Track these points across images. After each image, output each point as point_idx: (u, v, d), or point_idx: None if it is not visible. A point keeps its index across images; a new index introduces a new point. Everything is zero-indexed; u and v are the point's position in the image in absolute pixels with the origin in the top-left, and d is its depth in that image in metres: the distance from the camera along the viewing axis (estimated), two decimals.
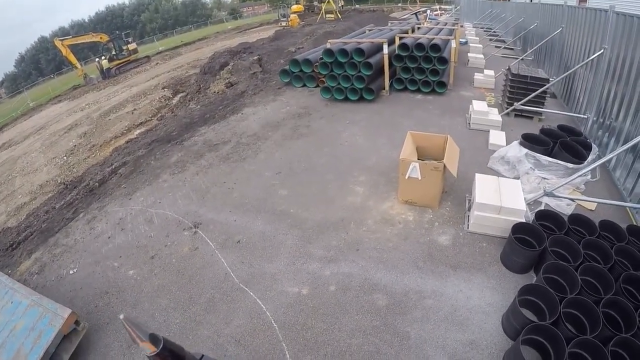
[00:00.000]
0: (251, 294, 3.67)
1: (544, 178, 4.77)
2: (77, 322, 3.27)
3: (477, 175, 4.31)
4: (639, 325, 2.77)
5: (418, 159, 4.59)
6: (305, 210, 4.85)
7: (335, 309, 3.44)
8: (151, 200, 5.51)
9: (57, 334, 3.09)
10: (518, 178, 4.94)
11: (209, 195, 5.43)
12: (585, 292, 3.08)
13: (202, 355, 2.22)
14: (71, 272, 4.32)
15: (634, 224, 4.08)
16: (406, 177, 4.37)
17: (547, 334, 2.85)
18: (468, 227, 4.18)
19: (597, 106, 6.00)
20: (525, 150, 5.18)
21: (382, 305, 3.45)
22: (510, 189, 4.04)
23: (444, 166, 4.17)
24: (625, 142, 4.61)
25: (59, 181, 6.82)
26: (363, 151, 6.37)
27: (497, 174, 5.22)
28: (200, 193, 5.52)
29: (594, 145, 5.07)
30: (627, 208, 4.32)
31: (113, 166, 7.43)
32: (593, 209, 4.44)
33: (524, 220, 3.78)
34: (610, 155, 4.17)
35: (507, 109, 7.48)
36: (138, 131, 9.16)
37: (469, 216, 4.28)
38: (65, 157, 7.60)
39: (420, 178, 4.32)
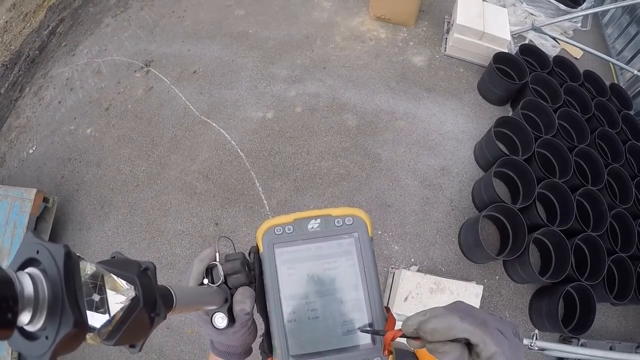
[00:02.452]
0: (214, 124, 3.35)
1: (532, 14, 4.36)
2: (46, 200, 3.08)
3: None
4: (605, 181, 2.80)
5: None
6: (265, 29, 4.12)
7: (303, 132, 3.16)
8: (96, 50, 4.85)
9: (30, 218, 2.92)
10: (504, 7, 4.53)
11: (158, 29, 4.69)
12: (560, 136, 2.94)
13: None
14: (30, 151, 4.03)
15: (617, 83, 3.97)
16: None
17: (519, 170, 2.83)
18: (445, 50, 3.88)
19: None
20: None
21: (352, 125, 3.19)
22: (496, 16, 3.68)
23: None
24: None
25: (0, 65, 6.05)
26: None
27: None
28: (148, 29, 4.79)
29: None
30: (612, 66, 4.18)
31: (50, 27, 6.46)
32: (578, 57, 4.24)
33: (506, 51, 3.53)
34: (607, 7, 3.98)
35: None
36: None
37: (447, 39, 3.98)
38: None
39: None
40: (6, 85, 6.00)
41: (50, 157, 3.82)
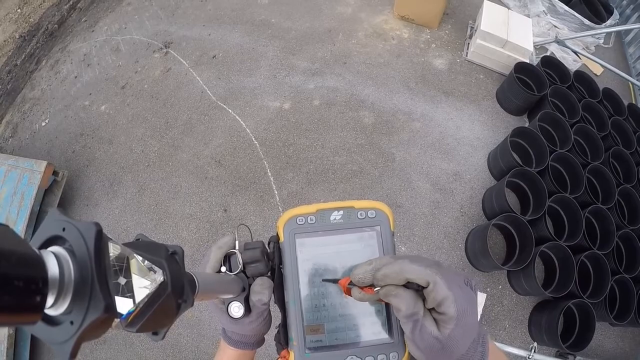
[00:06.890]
0: (230, 111, 3.34)
1: (555, 26, 4.35)
2: (55, 173, 3.07)
3: (486, 2, 3.85)
4: (616, 201, 2.79)
5: None
6: (288, 19, 4.10)
7: (319, 125, 3.15)
8: (116, 28, 4.83)
9: (38, 191, 2.90)
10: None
11: (180, 11, 4.66)
12: (575, 151, 2.92)
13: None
14: (43, 124, 4.04)
15: (634, 103, 3.96)
16: None
17: (531, 182, 2.80)
18: (467, 55, 3.86)
19: None
20: None
21: (369, 123, 3.18)
22: (520, 25, 3.67)
23: None
24: None
25: (17, 36, 6.01)
26: None
27: (506, 7, 4.64)
28: (170, 10, 4.76)
29: (615, 11, 4.47)
30: (631, 85, 4.14)
31: (70, 2, 6.43)
32: (598, 74, 4.19)
33: (527, 61, 3.49)
34: (631, 27, 4.01)
35: None
36: None
37: (469, 44, 3.96)
38: (19, 10, 6.59)
39: None
40: (23, 56, 6.00)
41: (63, 131, 3.83)
